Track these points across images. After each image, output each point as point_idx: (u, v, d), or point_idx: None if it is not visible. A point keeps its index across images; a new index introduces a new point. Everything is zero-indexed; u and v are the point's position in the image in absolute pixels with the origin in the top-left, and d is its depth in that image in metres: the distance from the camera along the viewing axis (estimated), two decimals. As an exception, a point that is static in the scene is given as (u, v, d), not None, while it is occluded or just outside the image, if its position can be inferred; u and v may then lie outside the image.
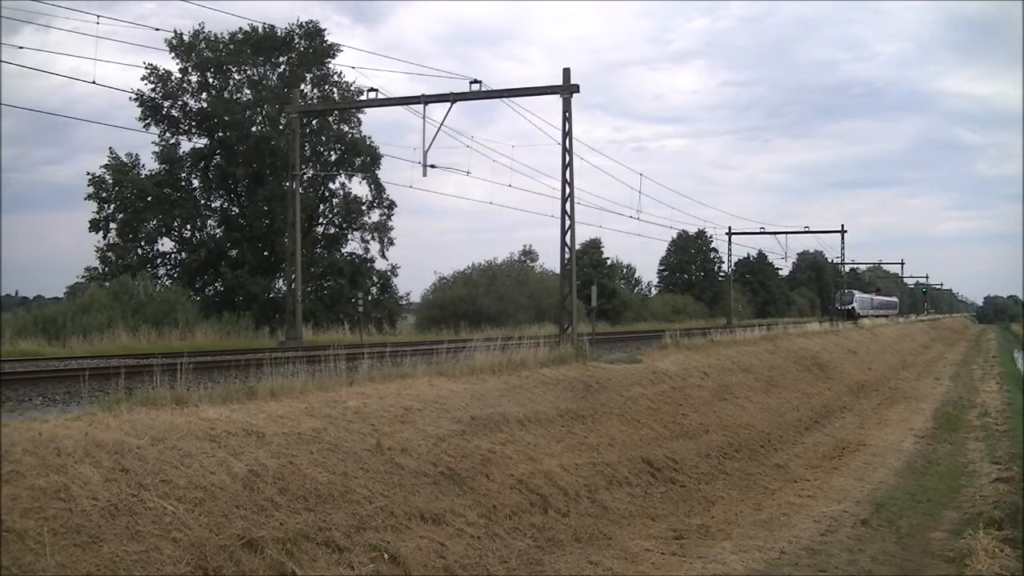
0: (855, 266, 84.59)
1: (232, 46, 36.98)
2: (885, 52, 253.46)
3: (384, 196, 40.71)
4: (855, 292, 71.01)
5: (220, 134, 36.64)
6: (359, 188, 40.66)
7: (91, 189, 35.53)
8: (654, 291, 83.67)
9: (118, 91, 44.26)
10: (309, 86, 38.78)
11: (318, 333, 32.39)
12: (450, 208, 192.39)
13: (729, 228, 57.63)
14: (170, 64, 37.41)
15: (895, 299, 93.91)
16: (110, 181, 35.70)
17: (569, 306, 20.96)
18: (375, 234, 40.67)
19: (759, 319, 65.71)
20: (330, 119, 39.01)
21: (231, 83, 37.77)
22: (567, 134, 20.48)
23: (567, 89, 20.54)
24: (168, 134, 36.95)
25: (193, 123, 37.15)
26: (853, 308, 65.16)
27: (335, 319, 37.00)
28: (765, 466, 14.32)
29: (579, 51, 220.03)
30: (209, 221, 38.26)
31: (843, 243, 56.42)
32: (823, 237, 79.77)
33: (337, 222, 40.76)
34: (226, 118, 35.89)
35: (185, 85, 36.71)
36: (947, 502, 12.05)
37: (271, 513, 6.66)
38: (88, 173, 35.68)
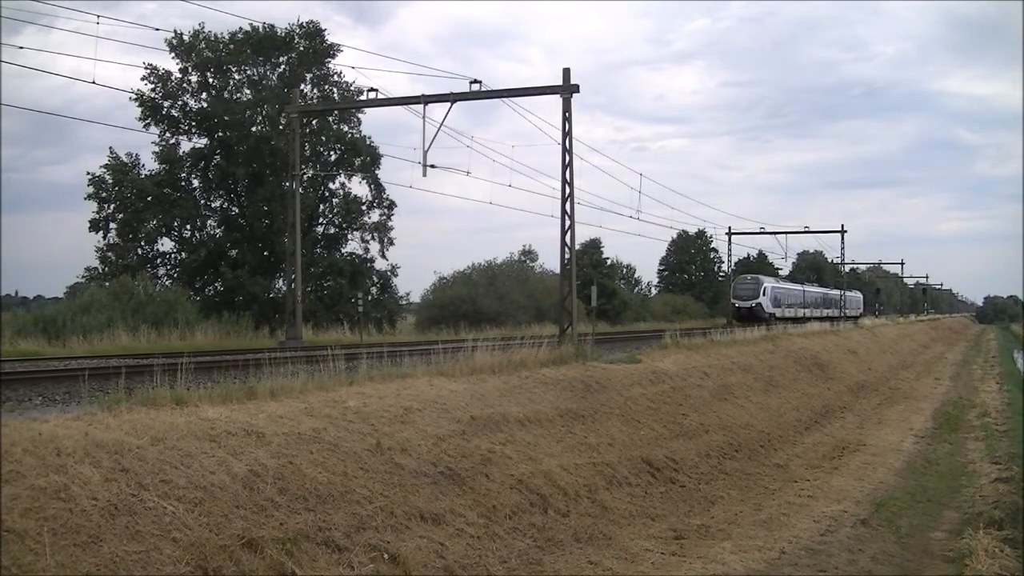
0: (855, 266, 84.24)
1: (232, 46, 36.97)
2: (885, 52, 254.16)
3: (384, 196, 40.73)
4: (764, 280, 50.26)
5: (220, 134, 36.62)
6: (359, 188, 40.70)
7: (91, 189, 35.57)
8: (654, 291, 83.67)
9: (118, 91, 44.49)
10: (309, 86, 38.79)
11: (318, 333, 32.38)
12: (450, 208, 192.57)
13: (729, 228, 57.44)
14: (170, 64, 37.49)
15: (856, 295, 74.21)
16: (110, 181, 35.71)
17: (569, 306, 20.95)
18: (375, 234, 40.67)
19: (759, 319, 65.59)
20: (330, 119, 39.00)
21: (231, 83, 37.76)
22: (567, 134, 20.47)
23: (567, 89, 20.53)
24: (168, 134, 36.98)
25: (193, 123, 37.15)
26: (758, 305, 46.76)
27: (335, 319, 36.98)
28: (765, 466, 14.32)
29: (580, 51, 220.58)
30: (209, 221, 38.25)
31: (843, 243, 56.23)
32: (823, 237, 78.59)
33: (337, 222, 40.75)
34: (226, 118, 35.87)
35: (185, 85, 36.74)
36: (947, 502, 12.04)
37: (271, 513, 6.66)
38: (88, 173, 35.73)
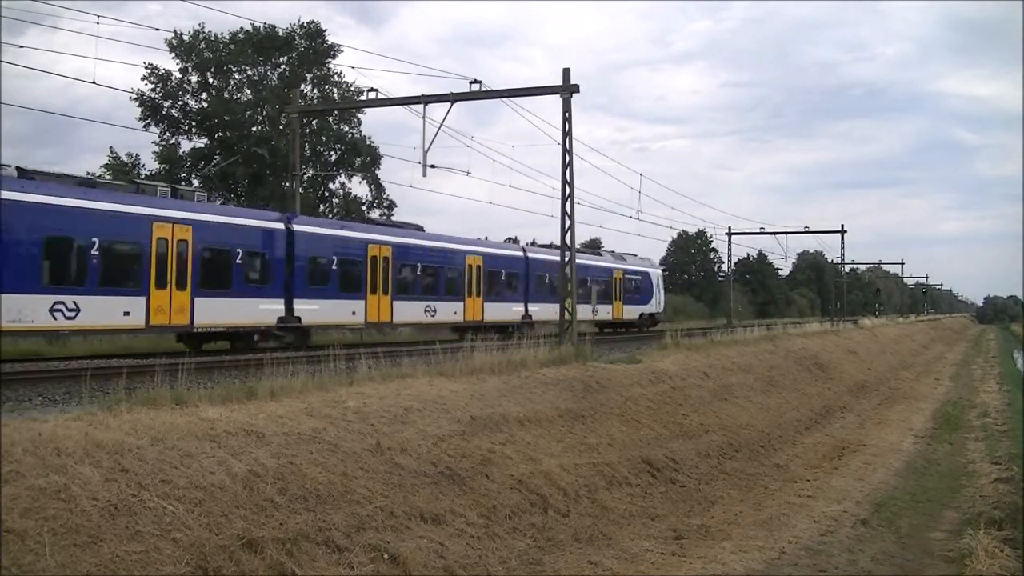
0: (855, 266, 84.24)
1: (232, 46, 36.97)
2: (886, 53, 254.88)
3: (384, 196, 40.77)
4: None
5: (220, 134, 36.62)
6: (359, 188, 40.74)
7: (91, 189, 35.53)
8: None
9: (119, 91, 44.50)
10: (309, 86, 38.78)
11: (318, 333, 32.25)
12: (450, 208, 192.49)
13: (729, 228, 57.24)
14: (171, 64, 37.50)
15: (649, 271, 40.14)
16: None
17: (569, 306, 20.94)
18: (375, 234, 40.63)
19: (759, 319, 65.61)
20: (330, 119, 39.01)
21: (231, 83, 37.76)
22: (567, 134, 20.47)
23: (567, 89, 20.52)
24: (168, 134, 36.99)
25: (193, 123, 37.16)
26: None
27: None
28: (765, 466, 14.31)
29: (581, 52, 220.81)
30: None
31: (843, 243, 56.13)
32: (823, 237, 78.40)
33: (337, 222, 40.78)
34: (226, 118, 35.87)
35: (185, 85, 36.73)
36: (947, 502, 12.05)
37: (271, 513, 6.65)
38: (88, 173, 35.69)
